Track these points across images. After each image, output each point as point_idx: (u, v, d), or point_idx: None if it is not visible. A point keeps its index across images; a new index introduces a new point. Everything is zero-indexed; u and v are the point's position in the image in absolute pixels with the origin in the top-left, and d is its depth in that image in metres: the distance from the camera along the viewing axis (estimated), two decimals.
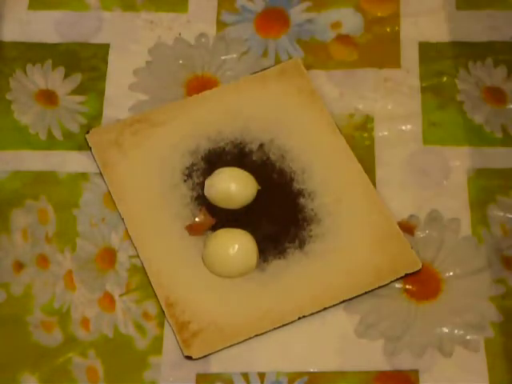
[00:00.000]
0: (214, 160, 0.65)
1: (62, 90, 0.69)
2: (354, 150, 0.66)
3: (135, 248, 0.63)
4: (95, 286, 0.62)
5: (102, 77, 0.69)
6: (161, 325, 0.61)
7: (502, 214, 0.64)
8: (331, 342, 0.60)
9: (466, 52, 0.70)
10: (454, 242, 0.63)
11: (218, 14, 0.72)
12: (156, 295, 0.61)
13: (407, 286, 0.62)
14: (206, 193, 0.64)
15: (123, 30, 0.71)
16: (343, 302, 0.61)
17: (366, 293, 0.61)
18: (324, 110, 0.67)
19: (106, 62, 0.70)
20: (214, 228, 0.63)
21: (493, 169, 0.65)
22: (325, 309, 0.61)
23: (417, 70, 0.69)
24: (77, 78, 0.69)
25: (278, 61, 0.70)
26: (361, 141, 0.67)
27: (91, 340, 0.61)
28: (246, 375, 0.60)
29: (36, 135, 0.67)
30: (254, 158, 0.66)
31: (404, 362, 0.60)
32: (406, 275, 0.62)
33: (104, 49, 0.70)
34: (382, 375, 0.59)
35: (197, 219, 0.63)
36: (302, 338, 0.61)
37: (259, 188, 0.64)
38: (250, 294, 0.61)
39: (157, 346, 0.61)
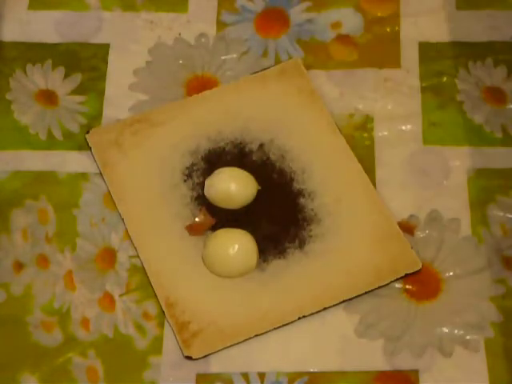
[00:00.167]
0: (214, 160, 0.65)
1: (62, 89, 0.69)
2: (353, 150, 0.66)
3: (135, 248, 0.63)
4: (95, 286, 0.62)
5: (102, 77, 0.69)
6: (161, 325, 0.61)
7: (501, 213, 0.64)
8: (331, 341, 0.60)
9: (465, 52, 0.70)
10: (454, 242, 0.63)
11: (218, 14, 0.72)
12: (156, 295, 0.61)
13: (407, 286, 0.62)
14: (205, 193, 0.64)
15: (123, 30, 0.71)
16: (343, 301, 0.61)
17: (365, 293, 0.61)
18: (324, 109, 0.67)
19: (106, 62, 0.70)
20: (214, 228, 0.63)
21: (493, 169, 0.65)
22: (325, 309, 0.61)
23: (417, 69, 0.69)
24: (77, 78, 0.69)
25: (277, 61, 0.70)
26: (361, 141, 0.67)
27: (91, 340, 0.61)
28: (245, 375, 0.60)
29: (36, 135, 0.67)
30: (254, 158, 0.66)
31: (404, 362, 0.60)
32: (406, 275, 0.62)
33: (104, 49, 0.70)
34: (381, 375, 0.59)
35: (197, 219, 0.63)
36: (302, 338, 0.61)
37: (259, 188, 0.64)
38: (250, 294, 0.61)
39: (157, 346, 0.61)
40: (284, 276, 0.62)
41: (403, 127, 0.67)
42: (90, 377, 0.60)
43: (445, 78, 0.69)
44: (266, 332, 0.60)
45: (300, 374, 0.60)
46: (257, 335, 0.60)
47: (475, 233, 0.63)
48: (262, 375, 0.60)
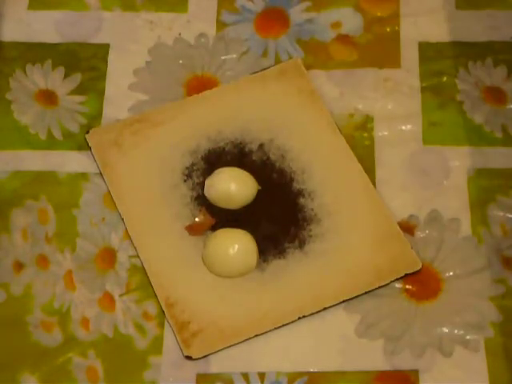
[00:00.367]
0: (214, 160, 0.65)
1: (62, 89, 0.69)
2: (353, 150, 0.66)
3: (135, 248, 0.63)
4: (95, 285, 0.62)
5: (102, 77, 0.69)
6: (161, 325, 0.61)
7: (501, 213, 0.64)
8: (331, 341, 0.60)
9: (465, 52, 0.70)
10: (454, 242, 0.63)
11: (218, 14, 0.72)
12: (156, 295, 0.61)
13: (407, 286, 0.62)
14: (205, 193, 0.64)
15: (123, 30, 0.71)
16: (343, 301, 0.61)
17: (366, 293, 0.61)
18: (324, 109, 0.67)
19: (105, 62, 0.70)
20: (214, 228, 0.63)
21: (493, 169, 0.65)
22: (325, 309, 0.61)
23: (417, 69, 0.69)
24: (77, 78, 0.69)
25: (277, 61, 0.70)
26: (361, 141, 0.67)
27: (91, 340, 0.61)
28: (245, 375, 0.60)
29: (36, 135, 0.67)
30: (254, 158, 0.66)
31: (404, 362, 0.60)
32: (406, 275, 0.62)
33: (104, 49, 0.70)
34: (382, 375, 0.59)
35: (197, 219, 0.63)
36: (302, 337, 0.60)
37: (259, 188, 0.64)
38: (250, 294, 0.61)
39: (157, 346, 0.61)
40: (284, 276, 0.62)
41: (403, 127, 0.67)
42: (90, 377, 0.60)
43: (445, 78, 0.69)
44: (266, 332, 0.60)
45: (300, 374, 0.60)
46: (257, 335, 0.60)
47: (475, 233, 0.63)
48: (262, 375, 0.60)
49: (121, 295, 0.62)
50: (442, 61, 0.69)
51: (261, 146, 0.66)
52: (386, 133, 0.67)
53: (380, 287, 0.61)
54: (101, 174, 0.65)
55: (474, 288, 0.62)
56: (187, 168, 0.65)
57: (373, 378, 0.59)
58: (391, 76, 0.69)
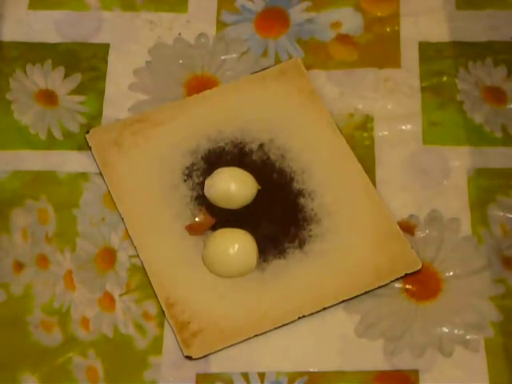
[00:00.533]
0: (214, 160, 0.65)
1: (62, 89, 0.69)
2: (353, 150, 0.66)
3: (135, 248, 0.63)
4: (95, 285, 0.62)
5: (102, 77, 0.69)
6: (161, 325, 0.61)
7: (501, 213, 0.64)
8: (331, 341, 0.60)
9: (465, 52, 0.70)
10: (454, 242, 0.63)
11: (218, 13, 0.72)
12: (156, 295, 0.61)
13: (407, 286, 0.62)
14: (205, 193, 0.64)
15: (123, 29, 0.71)
16: (343, 301, 0.61)
17: (366, 293, 0.61)
18: (324, 109, 0.67)
19: (105, 62, 0.70)
20: (214, 228, 0.63)
21: (493, 168, 0.65)
22: (325, 309, 0.61)
23: (417, 69, 0.69)
24: (77, 78, 0.69)
25: (277, 61, 0.70)
26: (361, 141, 0.67)
27: (91, 340, 0.61)
28: (245, 375, 0.60)
29: (36, 135, 0.67)
30: (254, 158, 0.66)
31: (404, 362, 0.60)
32: (406, 275, 0.62)
33: (104, 49, 0.70)
34: (381, 375, 0.59)
35: (197, 219, 0.63)
36: (302, 337, 0.60)
37: (259, 188, 0.64)
38: (250, 294, 0.61)
39: (157, 346, 0.61)
40: (284, 276, 0.62)
41: (403, 127, 0.67)
42: (90, 377, 0.60)
43: (445, 78, 0.69)
44: (266, 332, 0.60)
45: (300, 374, 0.60)
46: (257, 335, 0.60)
47: (475, 233, 0.63)
48: (261, 375, 0.60)
49: (121, 295, 0.62)
50: (442, 61, 0.69)
51: (261, 145, 0.66)
52: (386, 133, 0.67)
53: (380, 287, 0.61)
54: (101, 173, 0.65)
55: (474, 288, 0.62)
56: (187, 168, 0.65)
57: (373, 378, 0.59)
58: (391, 76, 0.69)
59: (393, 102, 0.68)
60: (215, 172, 0.64)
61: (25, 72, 0.69)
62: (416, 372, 0.59)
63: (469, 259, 0.62)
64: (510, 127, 0.67)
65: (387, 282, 0.61)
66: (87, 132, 0.67)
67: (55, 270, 0.63)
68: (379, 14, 0.72)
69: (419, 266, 0.62)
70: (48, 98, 0.69)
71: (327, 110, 0.67)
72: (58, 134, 0.67)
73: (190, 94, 0.69)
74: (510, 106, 0.68)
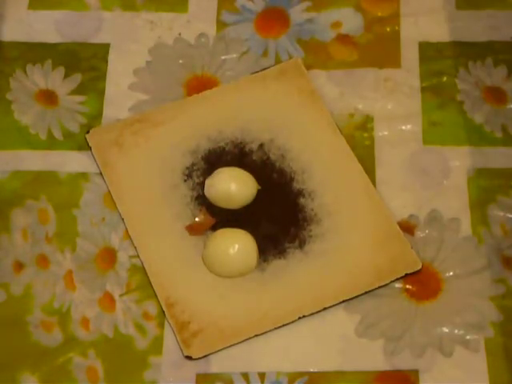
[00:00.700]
0: (214, 160, 0.65)
1: (62, 89, 0.69)
2: (354, 150, 0.66)
3: (135, 248, 0.63)
4: (95, 285, 0.62)
5: (102, 77, 0.69)
6: (161, 325, 0.61)
7: (502, 213, 0.64)
8: (331, 341, 0.60)
9: (466, 52, 0.70)
10: (454, 242, 0.63)
11: (218, 13, 0.72)
12: (156, 295, 0.61)
13: (407, 286, 0.62)
14: (206, 193, 0.64)
15: (123, 29, 0.71)
16: (343, 301, 0.61)
17: (366, 293, 0.61)
18: (324, 109, 0.67)
19: (106, 62, 0.70)
20: (214, 228, 0.63)
21: (493, 168, 0.65)
22: (325, 309, 0.61)
23: (417, 69, 0.69)
24: (77, 78, 0.69)
25: (278, 61, 0.70)
26: (361, 141, 0.67)
27: (91, 340, 0.61)
28: (246, 375, 0.60)
29: (36, 135, 0.67)
30: (254, 158, 0.66)
31: (404, 362, 0.60)
32: (406, 275, 0.62)
33: (104, 49, 0.70)
34: (382, 375, 0.59)
35: (197, 219, 0.63)
36: (302, 337, 0.60)
37: (259, 188, 0.64)
38: (250, 294, 0.61)
39: (157, 346, 0.61)
40: (284, 276, 0.62)
41: (403, 127, 0.67)
42: (90, 377, 0.60)
43: (445, 78, 0.69)
44: (266, 332, 0.60)
45: (300, 374, 0.60)
46: (257, 335, 0.60)
47: (475, 233, 0.63)
48: (262, 375, 0.60)
49: (121, 295, 0.62)
50: (442, 61, 0.69)
51: (261, 145, 0.66)
52: (386, 133, 0.67)
53: (380, 287, 0.61)
54: (101, 173, 0.65)
55: (474, 288, 0.62)
56: (187, 168, 0.65)
57: (373, 378, 0.59)
58: (391, 76, 0.69)
59: (393, 102, 0.68)
60: (215, 172, 0.64)
61: (25, 72, 0.69)
62: (416, 372, 0.59)
63: (469, 259, 0.62)
64: (510, 127, 0.67)
65: (387, 282, 0.61)
66: (87, 132, 0.67)
67: (55, 270, 0.63)
68: (379, 14, 0.72)
69: (419, 266, 0.62)
70: (48, 98, 0.69)
71: (327, 109, 0.67)
72: (58, 134, 0.67)
73: (190, 93, 0.69)
74: (510, 106, 0.68)
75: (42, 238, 0.64)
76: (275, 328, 0.60)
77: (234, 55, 0.70)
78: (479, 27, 0.70)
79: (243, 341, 0.60)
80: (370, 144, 0.67)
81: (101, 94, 0.69)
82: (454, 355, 0.60)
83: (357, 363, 0.60)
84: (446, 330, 0.61)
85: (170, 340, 0.61)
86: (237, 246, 0.61)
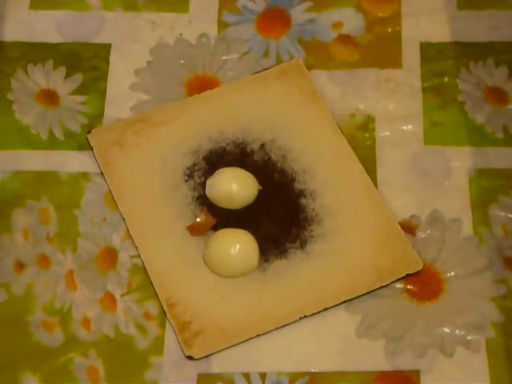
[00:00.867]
0: (216, 160, 0.65)
1: (64, 89, 0.69)
2: (355, 150, 0.66)
3: (136, 248, 0.63)
4: (96, 285, 0.62)
5: (104, 77, 0.69)
6: (162, 325, 0.61)
7: (503, 214, 0.64)
8: (332, 342, 0.60)
9: (467, 52, 0.70)
10: (456, 243, 0.63)
11: (219, 14, 0.72)
12: (157, 295, 0.61)
13: (408, 287, 0.62)
14: (207, 193, 0.64)
15: (125, 29, 0.71)
16: (344, 302, 0.61)
17: (367, 293, 0.61)
18: (325, 110, 0.67)
19: (107, 62, 0.70)
20: (216, 228, 0.63)
21: (494, 169, 0.65)
22: (326, 309, 0.61)
23: (418, 70, 0.69)
24: (78, 78, 0.69)
25: (279, 61, 0.70)
26: (362, 141, 0.67)
27: (92, 340, 0.61)
28: (247, 375, 0.60)
29: (37, 135, 0.67)
30: (256, 158, 0.66)
31: (405, 363, 0.60)
32: (408, 275, 0.62)
33: (105, 49, 0.70)
34: (383, 375, 0.59)
35: (198, 219, 0.63)
36: (303, 338, 0.60)
37: (260, 188, 0.64)
38: (252, 294, 0.61)
39: (158, 346, 0.61)
40: (285, 276, 0.62)
41: (404, 127, 0.67)
42: (91, 377, 0.60)
43: (446, 78, 0.69)
44: (268, 332, 0.60)
45: (301, 374, 0.60)
46: (258, 335, 0.60)
47: (477, 233, 0.63)
48: (263, 375, 0.60)
49: (122, 295, 0.62)
50: (444, 61, 0.69)
51: (262, 146, 0.66)
52: (387, 133, 0.67)
53: (381, 287, 0.61)
54: (102, 173, 0.65)
55: (476, 288, 0.62)
56: (188, 168, 0.65)
57: (374, 379, 0.59)
58: (392, 76, 0.69)
59: (394, 102, 0.68)
60: (216, 172, 0.64)
61: (26, 72, 0.70)
62: (417, 372, 0.59)
63: (470, 259, 0.62)
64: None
65: (388, 282, 0.61)
66: (89, 132, 0.67)
67: (56, 269, 0.63)
68: (380, 14, 0.72)
69: (420, 267, 0.62)
70: (49, 97, 0.69)
71: (328, 110, 0.67)
72: (59, 134, 0.67)
73: (191, 94, 0.69)
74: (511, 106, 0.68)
75: (43, 238, 0.64)
76: (276, 328, 0.60)
77: (235, 55, 0.70)
78: (480, 27, 0.70)
79: (244, 341, 0.60)
80: (371, 144, 0.67)
81: (102, 94, 0.69)
82: (455, 355, 0.60)
83: (358, 363, 0.60)
84: (447, 330, 0.61)
85: (171, 340, 0.61)
86: (238, 246, 0.61)
